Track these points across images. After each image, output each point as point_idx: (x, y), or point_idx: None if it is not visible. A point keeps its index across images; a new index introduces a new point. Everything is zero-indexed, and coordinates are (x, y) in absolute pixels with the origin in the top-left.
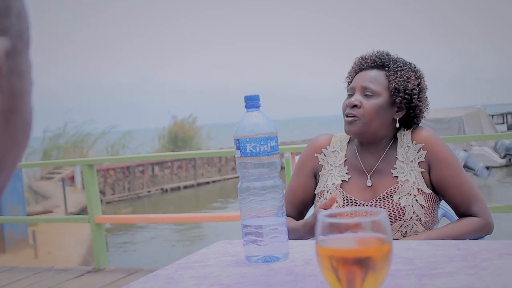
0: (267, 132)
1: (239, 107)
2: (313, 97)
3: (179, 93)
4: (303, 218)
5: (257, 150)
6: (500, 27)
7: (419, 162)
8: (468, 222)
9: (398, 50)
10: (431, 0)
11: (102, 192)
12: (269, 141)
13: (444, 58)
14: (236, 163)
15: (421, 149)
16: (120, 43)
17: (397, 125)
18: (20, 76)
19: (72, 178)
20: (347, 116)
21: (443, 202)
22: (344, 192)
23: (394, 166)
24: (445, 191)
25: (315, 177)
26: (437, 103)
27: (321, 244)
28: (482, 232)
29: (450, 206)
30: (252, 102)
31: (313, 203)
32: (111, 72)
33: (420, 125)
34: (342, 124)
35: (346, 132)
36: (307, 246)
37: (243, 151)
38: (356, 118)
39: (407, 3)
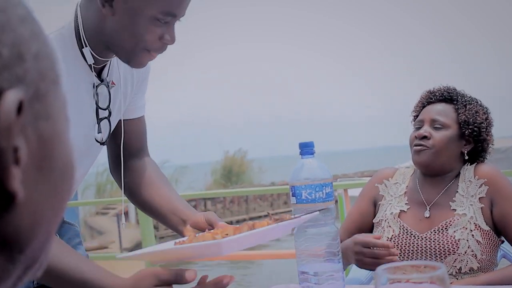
0: (322, 179)
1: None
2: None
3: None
4: None
5: (313, 197)
6: (500, 27)
7: (479, 198)
8: None
9: (398, 50)
10: (431, 0)
11: (156, 228)
12: (324, 187)
13: (444, 58)
14: (292, 209)
15: (483, 185)
16: None
17: (466, 157)
18: (49, 118)
19: (126, 213)
20: (415, 146)
21: (505, 244)
22: (401, 221)
23: (454, 199)
24: (508, 228)
25: (375, 206)
26: None
27: None
28: None
29: None
30: (306, 149)
31: (370, 231)
32: None
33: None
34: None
35: (414, 162)
36: None
37: (298, 198)
38: (425, 148)
39: (407, 3)
